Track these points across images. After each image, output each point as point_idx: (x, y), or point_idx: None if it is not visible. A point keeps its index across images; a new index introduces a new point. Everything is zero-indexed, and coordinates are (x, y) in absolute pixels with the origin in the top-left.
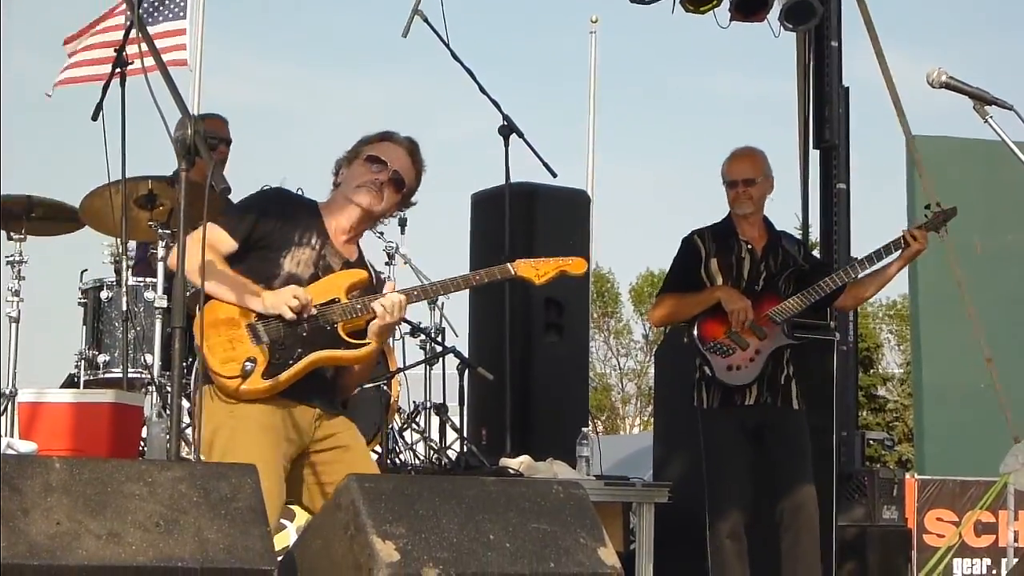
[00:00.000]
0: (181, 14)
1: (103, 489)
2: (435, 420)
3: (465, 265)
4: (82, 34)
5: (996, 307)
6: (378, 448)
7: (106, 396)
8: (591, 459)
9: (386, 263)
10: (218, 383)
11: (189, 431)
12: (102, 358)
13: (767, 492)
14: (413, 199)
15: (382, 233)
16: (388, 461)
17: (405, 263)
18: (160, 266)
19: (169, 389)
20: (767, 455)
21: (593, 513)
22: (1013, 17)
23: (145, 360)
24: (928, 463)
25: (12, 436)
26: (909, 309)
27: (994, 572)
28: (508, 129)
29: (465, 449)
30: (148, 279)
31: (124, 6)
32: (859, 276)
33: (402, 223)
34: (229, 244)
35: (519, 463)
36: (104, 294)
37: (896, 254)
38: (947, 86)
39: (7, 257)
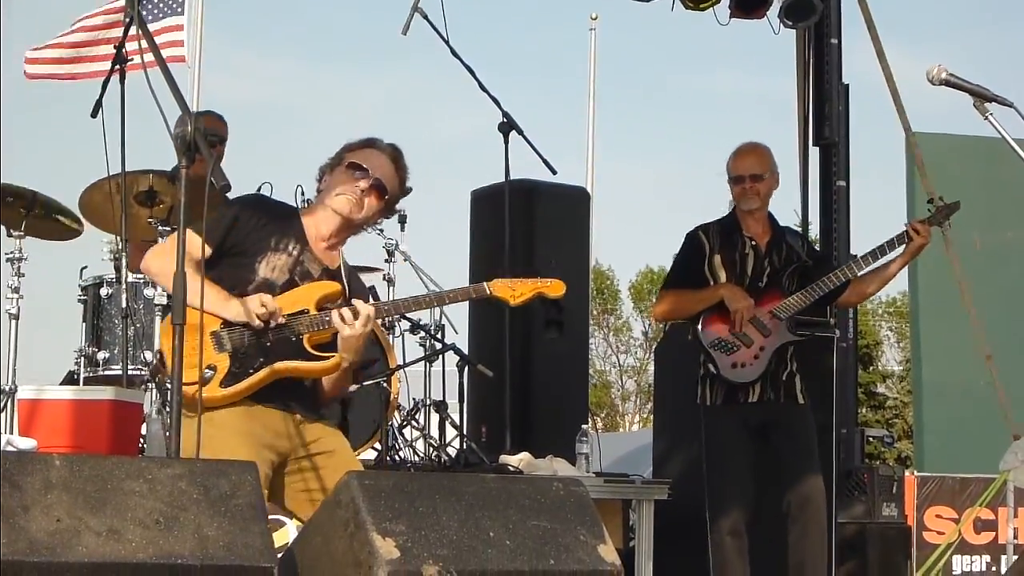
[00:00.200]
0: (179, 10)
1: (103, 486)
2: (435, 417)
3: (465, 262)
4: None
5: (996, 304)
6: (377, 445)
7: (106, 393)
8: (591, 456)
9: (386, 260)
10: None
11: None
12: (102, 355)
13: (770, 489)
14: (398, 207)
15: (382, 230)
16: (388, 458)
17: (405, 260)
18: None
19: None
20: (774, 451)
21: (593, 510)
22: (1012, 14)
23: (145, 357)
24: (927, 460)
25: (12, 433)
26: (909, 306)
27: (993, 569)
28: (508, 126)
29: (465, 446)
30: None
31: (121, 2)
32: (863, 272)
33: (402, 220)
34: (204, 249)
35: (519, 460)
36: (104, 291)
37: (900, 249)
38: (947, 83)
39: (7, 254)
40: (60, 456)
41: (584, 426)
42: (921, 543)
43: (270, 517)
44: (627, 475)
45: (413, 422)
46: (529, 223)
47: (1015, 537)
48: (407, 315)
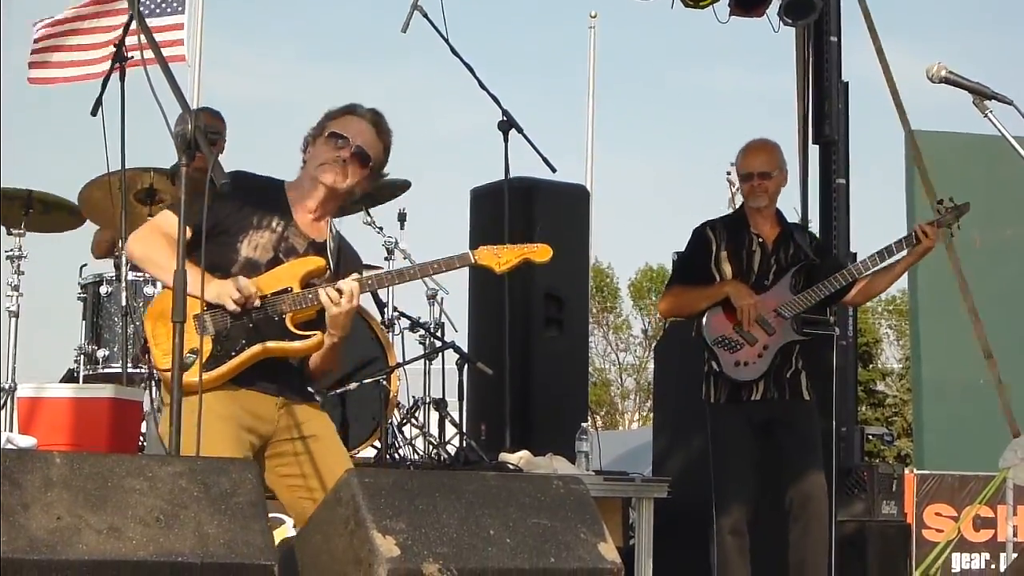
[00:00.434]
0: (180, 9)
1: (103, 484)
2: (434, 415)
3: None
4: (63, 22)
5: (996, 302)
6: (377, 443)
7: (105, 391)
8: (590, 454)
9: (385, 258)
10: (161, 376)
11: None
12: (101, 353)
13: (775, 486)
14: (384, 171)
15: (381, 228)
16: (387, 456)
17: (405, 258)
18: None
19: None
20: (777, 448)
21: (593, 508)
22: (1012, 12)
23: (138, 363)
24: (927, 458)
25: (12, 431)
26: (908, 304)
27: (993, 567)
28: (507, 124)
29: (464, 444)
30: (148, 274)
31: (121, 2)
32: (869, 272)
33: (401, 218)
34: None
35: (518, 458)
36: (103, 289)
37: (907, 250)
38: (947, 81)
39: (7, 252)
40: (60, 454)
41: (584, 424)
42: (921, 541)
43: (270, 515)
44: (627, 473)
45: (413, 420)
46: (529, 221)
47: (1014, 535)
48: (406, 314)
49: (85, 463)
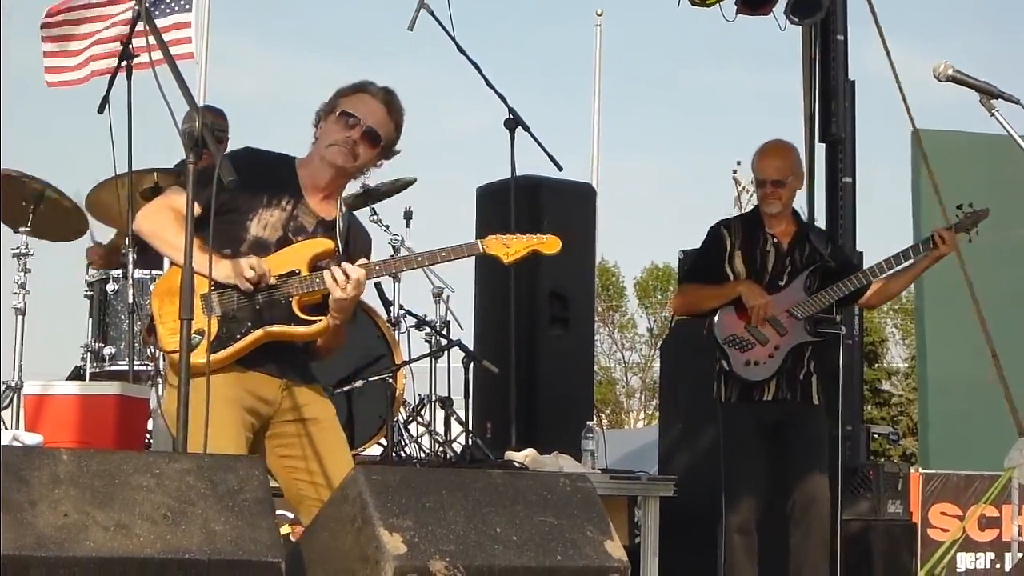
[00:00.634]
0: (187, 7)
1: (111, 481)
2: (440, 413)
3: (471, 258)
4: (64, 12)
5: (1001, 301)
6: (383, 441)
7: (112, 388)
8: (596, 453)
9: (391, 256)
10: (167, 356)
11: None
12: (108, 350)
13: (783, 488)
14: (396, 148)
15: (387, 226)
16: (393, 454)
17: None
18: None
19: (160, 352)
20: (783, 449)
21: (600, 506)
22: (1018, 11)
23: (150, 352)
24: (932, 457)
25: (18, 428)
26: (914, 303)
27: (998, 566)
28: (514, 122)
29: (470, 442)
30: (154, 271)
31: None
32: (885, 274)
33: (408, 216)
34: (196, 209)
35: (524, 456)
36: (110, 286)
37: (924, 254)
38: (954, 80)
39: (13, 249)
40: (68, 451)
41: (589, 423)
42: (925, 540)
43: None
44: (633, 472)
45: (418, 418)
46: (535, 219)
47: (1019, 534)
48: (412, 312)
49: (92, 460)
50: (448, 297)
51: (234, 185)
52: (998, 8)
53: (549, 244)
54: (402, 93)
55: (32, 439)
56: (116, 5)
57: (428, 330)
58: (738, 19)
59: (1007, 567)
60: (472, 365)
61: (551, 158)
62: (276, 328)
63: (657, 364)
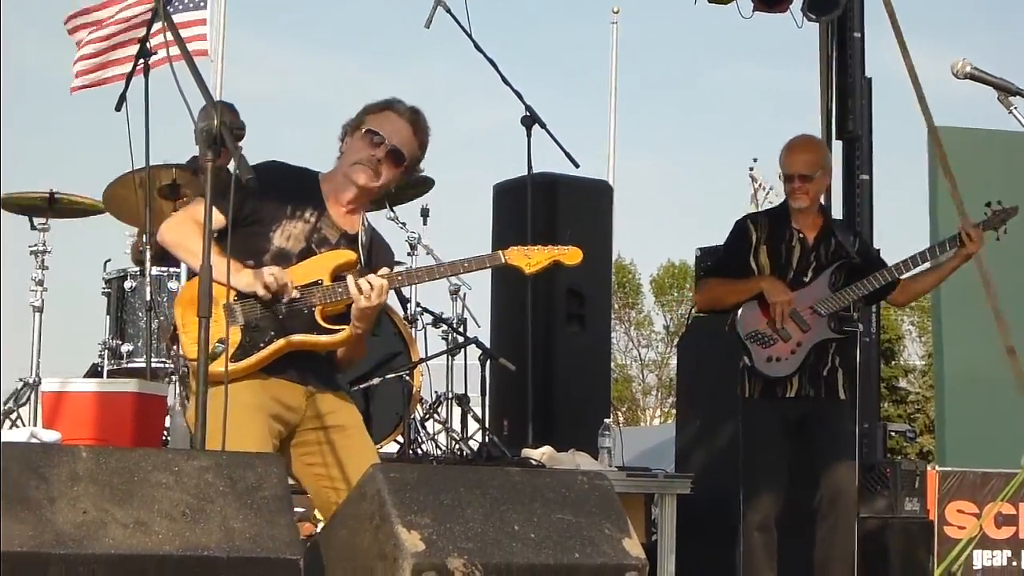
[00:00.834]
0: (202, 4)
1: (130, 478)
2: (457, 411)
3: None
4: (86, 13)
5: (1018, 298)
6: (399, 438)
7: (129, 386)
8: (613, 450)
9: (408, 254)
10: (190, 366)
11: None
12: (125, 348)
13: (806, 484)
14: (419, 168)
15: (404, 224)
16: (410, 452)
17: (427, 254)
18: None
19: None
20: (809, 444)
21: (618, 504)
22: None
23: (174, 352)
24: (949, 455)
25: (36, 425)
26: (931, 300)
27: (1014, 564)
28: (530, 120)
29: (487, 440)
30: (171, 269)
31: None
32: (911, 272)
33: (424, 214)
34: (217, 220)
35: (541, 454)
36: (128, 284)
37: (951, 251)
38: (972, 77)
39: (31, 247)
40: (87, 448)
41: (606, 420)
42: (942, 538)
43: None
44: (650, 469)
45: (435, 415)
46: (551, 216)
47: None
48: (429, 309)
49: (111, 457)
50: (465, 294)
51: (253, 184)
52: (1015, 7)
53: (571, 255)
54: (419, 90)
55: (50, 436)
56: (136, 7)
57: (445, 327)
58: (755, 16)
59: (1023, 565)
60: (489, 362)
61: (568, 155)
62: (299, 337)
63: (673, 361)
